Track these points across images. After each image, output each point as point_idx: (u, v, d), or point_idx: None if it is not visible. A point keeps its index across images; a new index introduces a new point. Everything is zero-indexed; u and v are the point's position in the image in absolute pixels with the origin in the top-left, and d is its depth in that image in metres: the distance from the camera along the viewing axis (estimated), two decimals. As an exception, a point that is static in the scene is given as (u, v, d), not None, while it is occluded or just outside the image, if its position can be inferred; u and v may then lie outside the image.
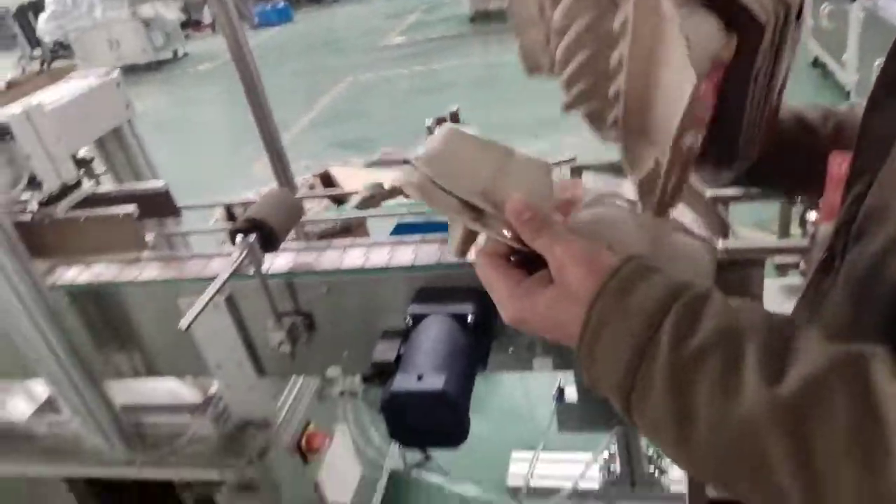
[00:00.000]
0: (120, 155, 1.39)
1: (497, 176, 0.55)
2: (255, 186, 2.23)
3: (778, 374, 0.41)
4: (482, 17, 8.37)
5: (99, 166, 1.41)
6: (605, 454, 1.71)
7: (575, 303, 0.48)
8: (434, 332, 1.13)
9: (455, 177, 0.55)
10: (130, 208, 1.15)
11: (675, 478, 1.75)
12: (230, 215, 1.51)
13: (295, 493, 1.51)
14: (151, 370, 1.44)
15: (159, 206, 1.25)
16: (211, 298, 1.01)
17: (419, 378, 1.01)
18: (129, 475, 1.41)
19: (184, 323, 0.95)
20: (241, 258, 1.10)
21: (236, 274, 1.11)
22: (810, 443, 0.39)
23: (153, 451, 1.41)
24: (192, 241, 1.62)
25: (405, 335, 1.18)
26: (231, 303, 1.27)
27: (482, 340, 1.16)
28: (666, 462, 1.79)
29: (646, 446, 1.72)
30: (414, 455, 1.94)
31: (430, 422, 1.02)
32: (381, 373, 1.15)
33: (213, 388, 1.48)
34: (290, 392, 1.54)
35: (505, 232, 0.54)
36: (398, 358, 1.14)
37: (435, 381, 1.00)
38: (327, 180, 3.31)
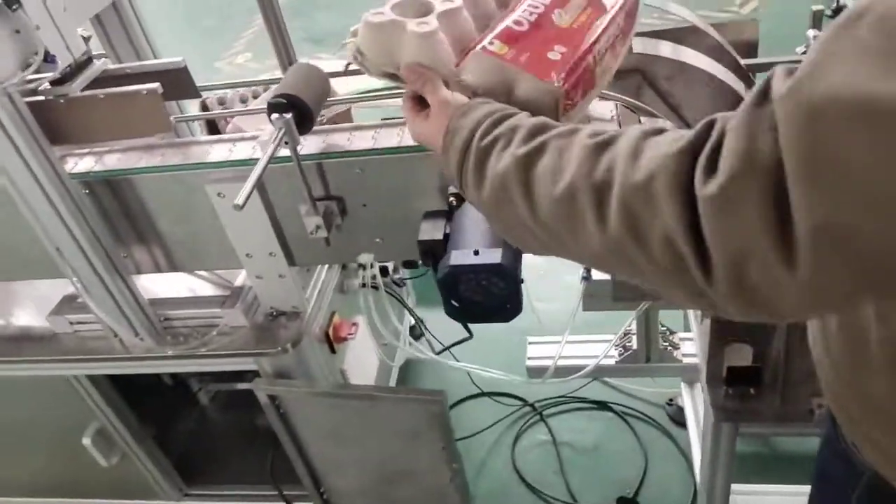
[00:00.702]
0: (120, 32, 1.28)
1: (399, 48, 0.80)
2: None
3: (527, 142, 0.64)
4: None
5: (97, 47, 1.29)
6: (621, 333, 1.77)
7: (442, 125, 0.74)
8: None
9: (374, 52, 0.82)
10: (154, 85, 1.07)
11: (687, 351, 1.83)
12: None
13: (325, 381, 1.52)
14: (173, 265, 1.39)
15: (180, 85, 1.16)
16: (259, 176, 0.96)
17: (476, 253, 1.01)
18: (162, 369, 1.39)
19: (240, 199, 0.90)
20: (280, 137, 1.05)
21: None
22: (531, 179, 0.62)
23: (183, 344, 1.39)
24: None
25: (449, 215, 1.17)
26: (261, 188, 1.22)
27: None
28: (678, 338, 1.86)
29: (660, 324, 1.79)
30: (431, 345, 1.98)
31: (488, 296, 1.03)
32: (428, 252, 1.14)
33: (240, 279, 1.45)
34: (315, 283, 1.52)
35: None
36: (446, 237, 1.12)
37: (492, 256, 1.00)
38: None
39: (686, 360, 1.81)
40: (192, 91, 1.21)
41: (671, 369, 1.87)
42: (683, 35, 1.19)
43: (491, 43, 0.80)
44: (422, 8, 0.83)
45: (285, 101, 1.07)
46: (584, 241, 0.57)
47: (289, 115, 1.07)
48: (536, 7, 0.83)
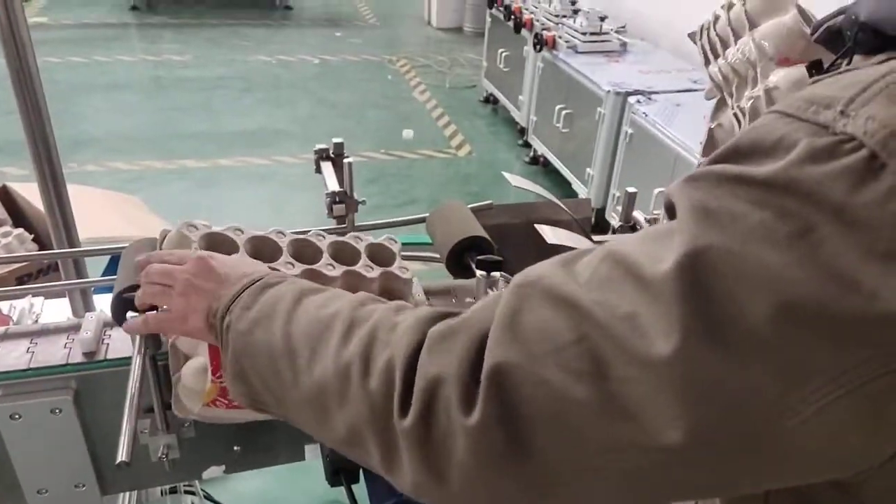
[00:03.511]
0: None
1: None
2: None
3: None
4: (145, 5, 7.47)
5: None
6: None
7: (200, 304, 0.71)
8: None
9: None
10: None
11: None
12: None
13: None
14: None
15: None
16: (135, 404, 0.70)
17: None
18: None
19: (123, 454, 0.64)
20: (143, 345, 0.80)
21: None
22: (302, 302, 0.63)
23: None
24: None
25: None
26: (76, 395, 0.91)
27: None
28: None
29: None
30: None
31: None
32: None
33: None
34: None
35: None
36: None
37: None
38: (6, 198, 2.59)
39: None
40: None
41: None
42: (537, 208, 1.27)
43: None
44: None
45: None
46: (319, 364, 0.56)
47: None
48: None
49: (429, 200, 3.99)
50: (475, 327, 0.48)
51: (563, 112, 3.94)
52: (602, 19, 4.09)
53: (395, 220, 1.21)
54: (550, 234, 1.23)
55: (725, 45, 1.16)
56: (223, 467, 1.06)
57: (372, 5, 8.55)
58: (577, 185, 3.89)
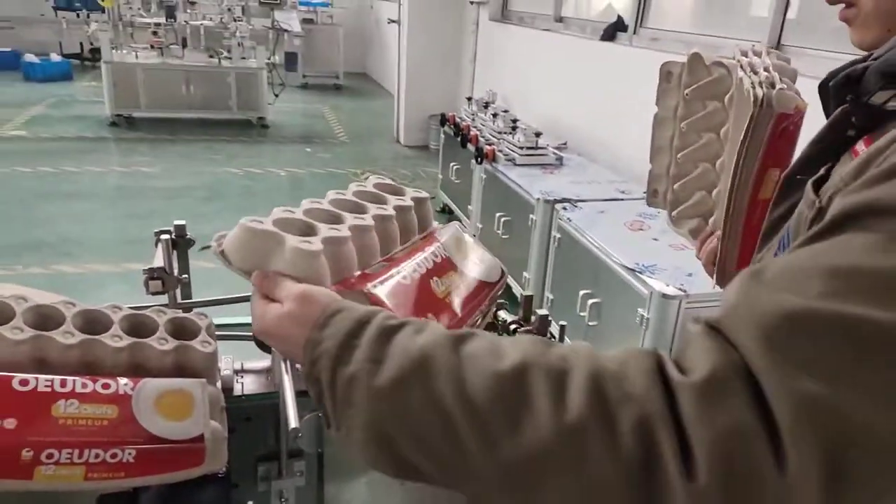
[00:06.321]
0: None
1: (271, 257, 0.79)
2: None
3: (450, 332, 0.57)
4: (125, 122, 7.82)
5: None
6: None
7: (304, 312, 0.66)
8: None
9: (242, 254, 0.81)
10: None
11: None
12: None
13: None
14: None
15: None
16: None
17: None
18: None
19: None
20: None
21: None
22: (462, 354, 0.53)
23: None
24: None
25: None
26: None
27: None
28: None
29: None
30: None
31: None
32: None
33: None
34: None
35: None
36: None
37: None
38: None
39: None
40: None
41: None
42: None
43: (374, 286, 0.85)
44: (304, 227, 0.86)
45: None
46: (528, 429, 0.47)
47: None
48: (420, 268, 0.95)
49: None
50: (737, 370, 0.44)
51: (503, 219, 4.07)
52: (538, 135, 4.32)
53: (225, 297, 1.22)
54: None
55: None
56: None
57: (345, 125, 8.99)
58: (517, 289, 3.95)
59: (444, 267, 1.02)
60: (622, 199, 3.62)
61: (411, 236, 1.06)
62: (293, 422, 0.98)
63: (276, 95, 8.50)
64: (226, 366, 1.11)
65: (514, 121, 4.66)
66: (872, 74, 0.58)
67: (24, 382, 0.83)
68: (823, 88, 0.68)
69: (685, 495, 0.42)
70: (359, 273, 0.89)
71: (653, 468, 0.43)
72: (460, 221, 5.13)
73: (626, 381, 0.46)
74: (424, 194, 1.09)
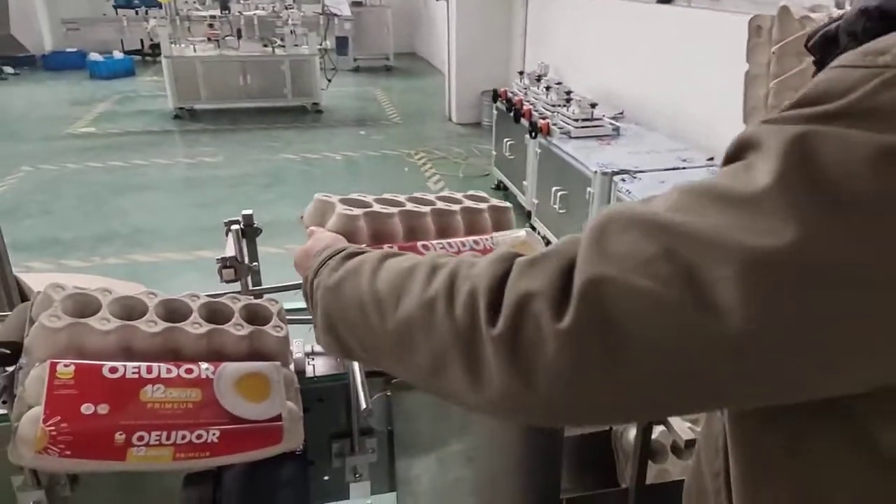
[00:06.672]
0: None
1: (324, 216, 1.04)
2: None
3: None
4: (187, 115, 8.08)
5: None
6: None
7: (306, 257, 0.83)
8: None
9: (310, 216, 1.08)
10: None
11: None
12: None
13: None
14: None
15: None
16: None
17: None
18: None
19: None
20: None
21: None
22: (384, 263, 0.68)
23: None
24: None
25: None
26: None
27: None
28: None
29: None
30: None
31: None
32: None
33: None
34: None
35: None
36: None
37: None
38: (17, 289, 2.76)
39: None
40: None
41: None
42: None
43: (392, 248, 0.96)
44: (363, 204, 1.06)
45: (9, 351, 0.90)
46: (405, 303, 0.61)
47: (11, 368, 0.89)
48: (451, 247, 1.03)
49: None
50: (563, 253, 0.51)
51: (559, 193, 4.02)
52: (593, 106, 4.23)
53: (294, 282, 1.26)
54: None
55: None
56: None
57: (397, 106, 9.02)
58: (576, 266, 3.91)
59: (483, 253, 1.04)
60: (684, 168, 3.51)
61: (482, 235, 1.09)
62: (364, 402, 1.02)
63: (329, 80, 8.60)
64: (297, 349, 1.15)
65: (568, 93, 4.57)
66: (842, 34, 0.58)
67: (113, 370, 0.89)
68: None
69: (489, 341, 0.52)
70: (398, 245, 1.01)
71: (474, 326, 0.53)
72: (516, 198, 5.12)
73: (476, 266, 0.57)
74: (506, 204, 1.19)
